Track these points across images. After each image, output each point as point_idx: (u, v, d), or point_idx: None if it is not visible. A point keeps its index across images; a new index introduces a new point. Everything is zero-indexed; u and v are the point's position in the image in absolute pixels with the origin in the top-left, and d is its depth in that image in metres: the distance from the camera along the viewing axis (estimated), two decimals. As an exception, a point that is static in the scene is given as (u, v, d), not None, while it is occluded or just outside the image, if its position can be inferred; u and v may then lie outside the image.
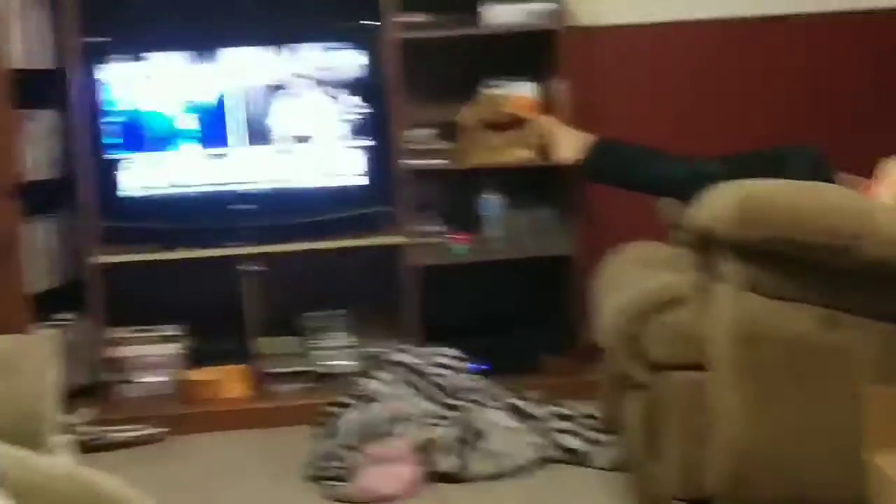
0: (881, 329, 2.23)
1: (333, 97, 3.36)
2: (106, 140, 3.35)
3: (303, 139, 3.39)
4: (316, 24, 3.43)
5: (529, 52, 3.48)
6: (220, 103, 3.36)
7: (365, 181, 3.40)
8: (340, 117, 3.37)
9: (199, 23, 3.45)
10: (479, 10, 3.38)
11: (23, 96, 3.21)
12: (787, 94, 3.64)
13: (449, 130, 3.49)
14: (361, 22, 3.36)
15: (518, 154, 3.42)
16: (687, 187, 2.56)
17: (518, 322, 3.57)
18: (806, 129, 3.45)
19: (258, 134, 3.38)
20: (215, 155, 3.39)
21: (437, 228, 3.51)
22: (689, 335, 2.36)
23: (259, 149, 3.39)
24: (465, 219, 3.51)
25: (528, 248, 3.51)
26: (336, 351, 3.51)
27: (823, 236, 2.18)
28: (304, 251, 3.40)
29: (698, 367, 2.34)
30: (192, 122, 3.37)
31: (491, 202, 3.47)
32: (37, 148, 3.32)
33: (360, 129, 3.38)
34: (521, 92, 3.45)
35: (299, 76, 3.35)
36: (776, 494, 2.31)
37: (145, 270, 3.43)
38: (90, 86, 3.32)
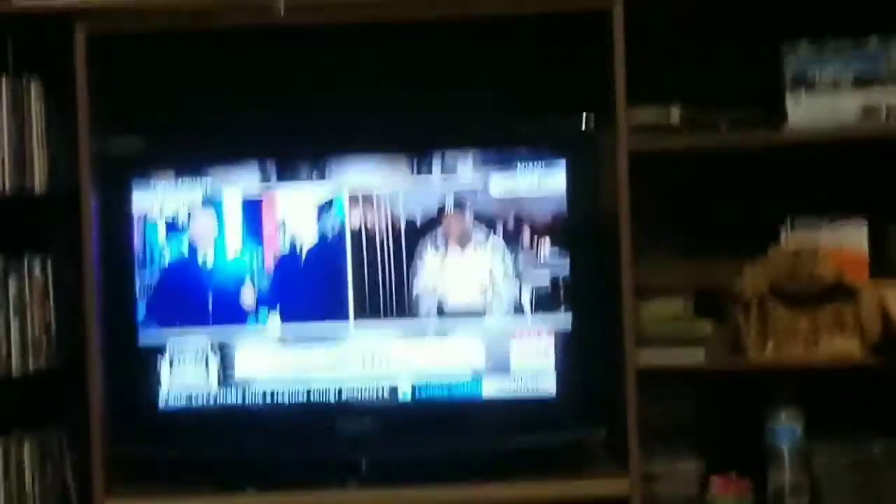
0: None
1: (513, 245, 1.98)
2: (135, 308, 2.02)
3: (463, 315, 2.01)
4: (492, 126, 2.11)
5: (863, 171, 2.07)
6: (325, 251, 2.01)
7: (565, 387, 1.99)
8: (526, 280, 1.99)
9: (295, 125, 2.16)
10: (784, 103, 2.00)
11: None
12: None
13: (712, 304, 2.08)
14: (568, 117, 2.01)
15: (838, 347, 1.97)
16: None
17: None
18: None
19: (387, 306, 2.01)
20: (313, 339, 2.03)
21: (690, 467, 2.06)
22: None
23: (387, 330, 2.02)
24: (739, 453, 2.08)
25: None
26: None
27: None
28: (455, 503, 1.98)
29: None
30: (274, 284, 2.03)
31: (786, 428, 2.00)
32: (20, 319, 1.99)
33: (558, 300, 1.98)
34: (846, 240, 2.03)
35: (458, 209, 1.99)
36: None
37: None
38: (111, 222, 2.02)
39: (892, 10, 2.03)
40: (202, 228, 2.01)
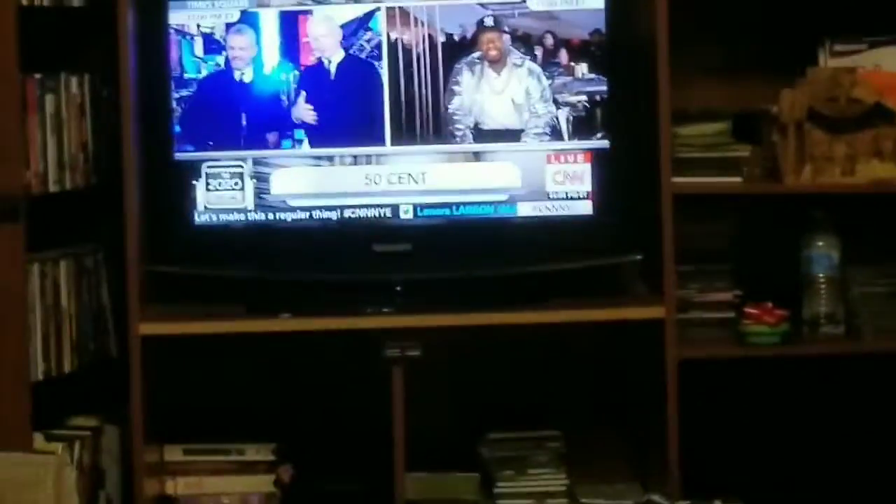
0: None
1: (550, 66, 1.97)
2: (170, 129, 2.02)
3: (500, 135, 2.00)
4: None
5: None
6: (361, 70, 2.00)
7: (602, 211, 1.99)
8: (563, 101, 1.98)
9: None
10: None
11: (28, 65, 1.91)
12: None
13: (751, 127, 2.07)
14: None
15: (877, 172, 1.97)
16: None
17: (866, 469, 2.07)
18: None
19: (424, 127, 2.00)
20: (351, 159, 2.02)
21: (726, 296, 2.06)
22: None
23: (425, 151, 2.02)
24: (776, 280, 2.08)
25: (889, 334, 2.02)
26: (537, 499, 2.05)
27: None
28: (492, 327, 2.00)
29: None
30: (316, 103, 2.01)
31: (824, 254, 2.00)
32: (58, 137, 1.99)
33: (595, 123, 1.98)
34: (886, 62, 2.00)
35: (496, 27, 1.98)
36: None
37: (220, 350, 2.08)
38: (152, 32, 2.01)
39: None
40: (239, 44, 2.00)
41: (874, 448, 2.13)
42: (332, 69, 2.02)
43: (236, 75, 2.02)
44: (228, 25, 2.01)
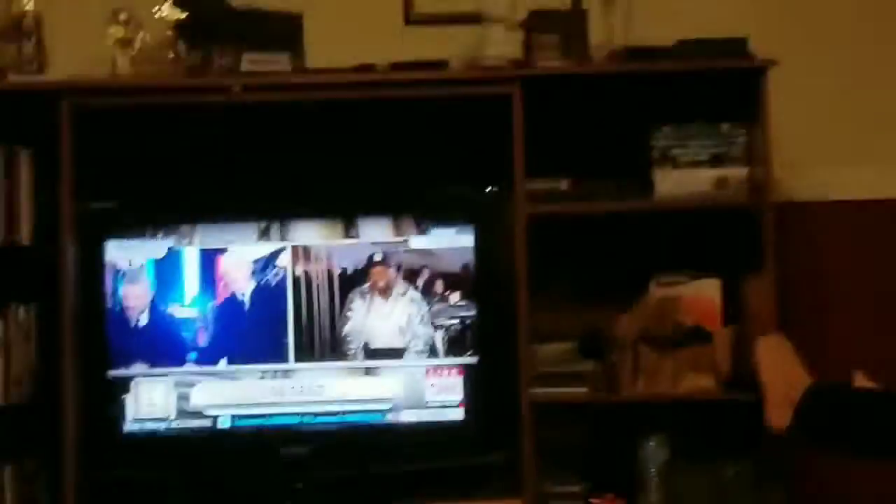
0: None
1: (428, 295, 2.35)
2: (108, 351, 2.35)
3: (386, 353, 2.36)
4: (407, 193, 2.47)
5: (717, 235, 2.46)
6: (272, 299, 2.35)
7: (471, 417, 2.35)
8: (438, 324, 2.35)
9: (249, 184, 2.51)
10: (652, 176, 2.39)
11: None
12: None
13: (595, 346, 2.44)
14: (479, 190, 2.41)
15: (697, 383, 2.35)
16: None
17: None
18: None
19: (323, 347, 2.36)
20: (261, 374, 2.36)
21: (574, 489, 2.41)
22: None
23: (323, 367, 2.36)
24: (616, 476, 2.43)
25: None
26: None
27: None
28: None
29: None
30: (230, 327, 2.37)
31: (655, 452, 2.38)
32: (6, 358, 2.31)
33: (465, 343, 2.35)
34: (704, 292, 2.41)
35: (382, 264, 2.36)
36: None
37: None
38: (90, 269, 2.36)
39: (739, 102, 2.43)
40: (164, 279, 2.37)
41: None
42: (245, 298, 2.37)
43: (161, 306, 2.36)
44: (156, 261, 2.37)
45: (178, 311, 2.36)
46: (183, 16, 2.41)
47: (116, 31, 2.41)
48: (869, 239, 2.60)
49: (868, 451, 2.04)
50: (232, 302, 2.36)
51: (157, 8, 2.43)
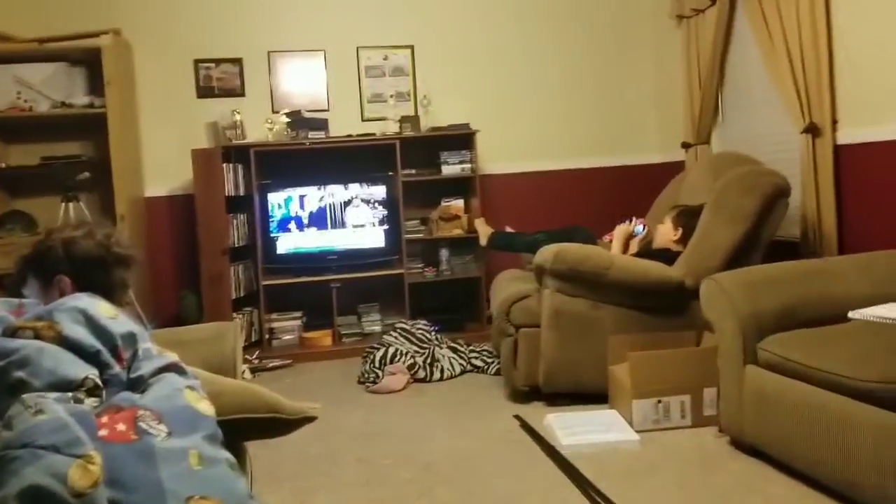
0: (617, 310, 4.52)
1: (373, 207, 7.24)
2: (270, 227, 7.17)
3: (358, 226, 7.24)
4: (365, 174, 7.24)
5: (462, 185, 7.37)
6: (324, 209, 7.15)
7: (385, 245, 7.23)
8: (376, 216, 7.22)
9: (313, 172, 7.22)
10: (441, 165, 7.29)
11: (229, 208, 7.07)
12: (584, 203, 7.69)
13: (426, 221, 7.36)
14: (387, 174, 7.25)
15: (457, 231, 7.33)
16: (534, 248, 5.47)
17: (456, 307, 7.38)
18: (586, 216, 7.50)
19: (339, 223, 7.20)
20: (320, 233, 7.17)
21: (419, 266, 7.39)
22: (532, 312, 4.69)
23: (339, 231, 7.18)
24: (432, 260, 7.37)
25: (460, 273, 7.38)
26: (372, 323, 7.31)
27: (591, 268, 4.42)
28: (359, 277, 7.15)
29: (536, 326, 4.65)
30: (310, 218, 7.20)
31: (444, 252, 7.37)
32: (236, 231, 7.12)
33: (384, 221, 7.22)
34: (458, 204, 7.36)
35: (358, 198, 7.24)
36: (567, 384, 4.58)
37: (286, 287, 6.77)
38: (262, 203, 7.10)
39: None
40: (289, 206, 7.32)
41: None
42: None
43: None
44: (284, 201, 7.31)
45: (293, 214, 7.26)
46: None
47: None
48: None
49: (515, 250, 6.94)
50: (309, 212, 7.26)
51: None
